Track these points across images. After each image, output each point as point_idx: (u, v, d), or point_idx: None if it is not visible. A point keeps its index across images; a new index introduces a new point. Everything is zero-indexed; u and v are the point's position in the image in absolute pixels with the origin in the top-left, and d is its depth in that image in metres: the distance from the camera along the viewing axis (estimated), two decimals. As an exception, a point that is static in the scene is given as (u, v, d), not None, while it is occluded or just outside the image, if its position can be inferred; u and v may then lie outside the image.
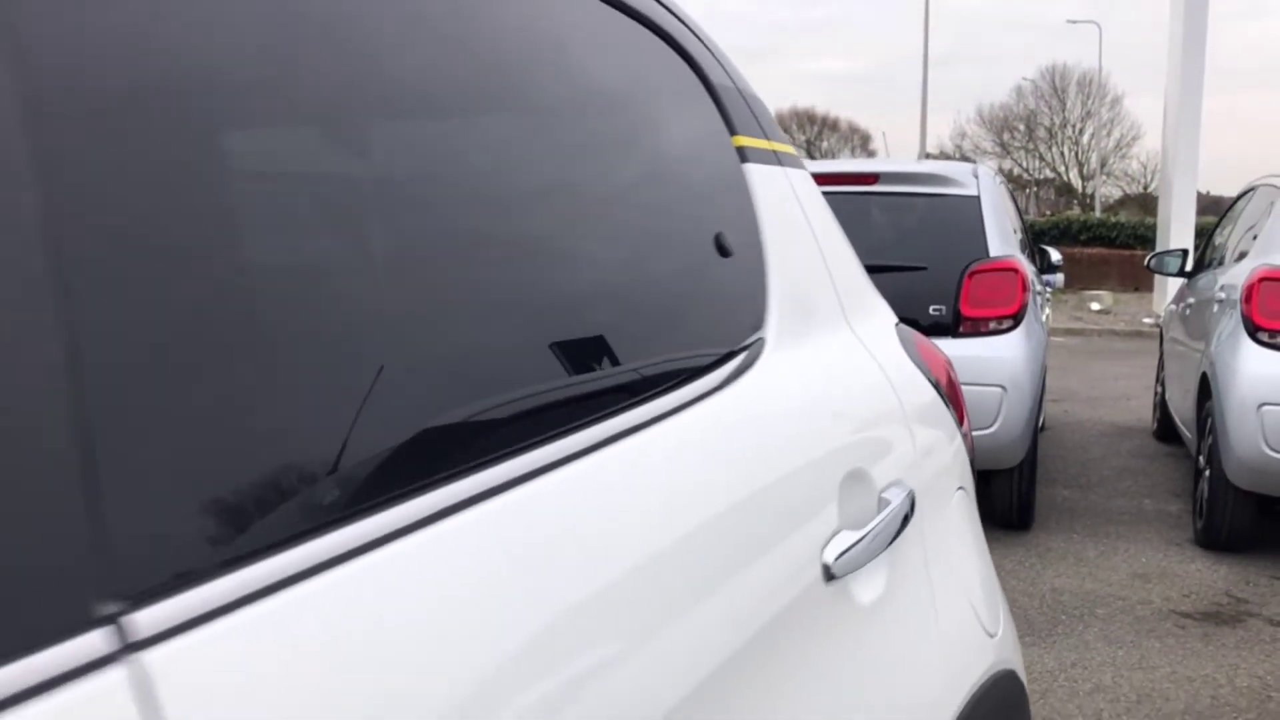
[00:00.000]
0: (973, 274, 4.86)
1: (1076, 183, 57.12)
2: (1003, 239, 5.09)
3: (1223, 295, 5.09)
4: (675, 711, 0.78)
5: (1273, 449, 4.44)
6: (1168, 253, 7.08)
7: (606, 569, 0.76)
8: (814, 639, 0.98)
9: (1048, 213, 42.56)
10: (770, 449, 1.00)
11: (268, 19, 0.66)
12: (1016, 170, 58.17)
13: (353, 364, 0.65)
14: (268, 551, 0.56)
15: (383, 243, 0.70)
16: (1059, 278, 7.46)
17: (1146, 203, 44.68)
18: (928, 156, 37.70)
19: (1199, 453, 5.13)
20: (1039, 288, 5.82)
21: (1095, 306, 16.82)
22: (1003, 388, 4.70)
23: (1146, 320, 14.91)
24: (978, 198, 5.15)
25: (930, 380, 1.40)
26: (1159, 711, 3.29)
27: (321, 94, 0.68)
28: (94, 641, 0.49)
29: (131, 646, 0.50)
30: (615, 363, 0.89)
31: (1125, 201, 53.47)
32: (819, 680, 0.97)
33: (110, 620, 0.50)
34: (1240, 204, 6.25)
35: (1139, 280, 18.69)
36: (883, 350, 1.33)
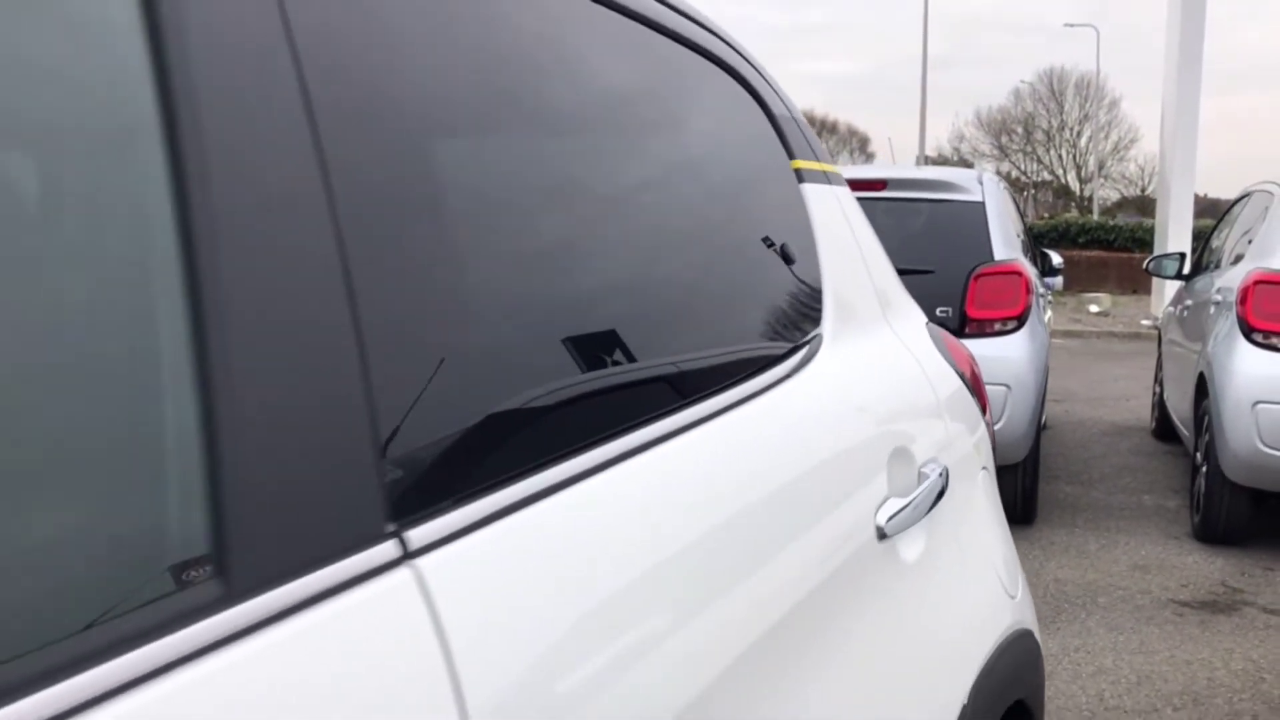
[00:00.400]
0: (978, 277, 5.04)
1: (1074, 185, 57.30)
2: (1006, 243, 5.28)
3: (1219, 297, 5.28)
4: (775, 628, 0.96)
5: (1267, 445, 4.62)
6: (1166, 256, 7.27)
7: (715, 515, 0.95)
8: (869, 586, 1.16)
9: (1046, 215, 42.77)
10: (833, 426, 1.19)
11: (466, 65, 0.85)
12: (1014, 173, 58.36)
13: (556, 345, 0.84)
14: (500, 484, 0.75)
15: (570, 253, 0.90)
16: (1058, 280, 7.65)
17: (1144, 205, 44.88)
18: (926, 160, 37.88)
19: (1196, 450, 5.31)
20: (1041, 290, 6.01)
21: (1094, 309, 17.00)
22: (1007, 386, 4.89)
23: (1145, 322, 15.08)
24: (982, 203, 5.34)
25: (957, 373, 1.59)
26: (1158, 692, 3.47)
27: (506, 126, 0.87)
28: (386, 550, 0.67)
29: (410, 555, 0.69)
30: (710, 352, 1.08)
31: (1123, 204, 53.64)
32: (874, 619, 1.15)
33: (395, 535, 0.68)
34: (1236, 208, 6.44)
35: (1137, 283, 18.87)
36: (917, 346, 1.52)
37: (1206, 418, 5.03)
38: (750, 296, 1.19)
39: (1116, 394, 9.64)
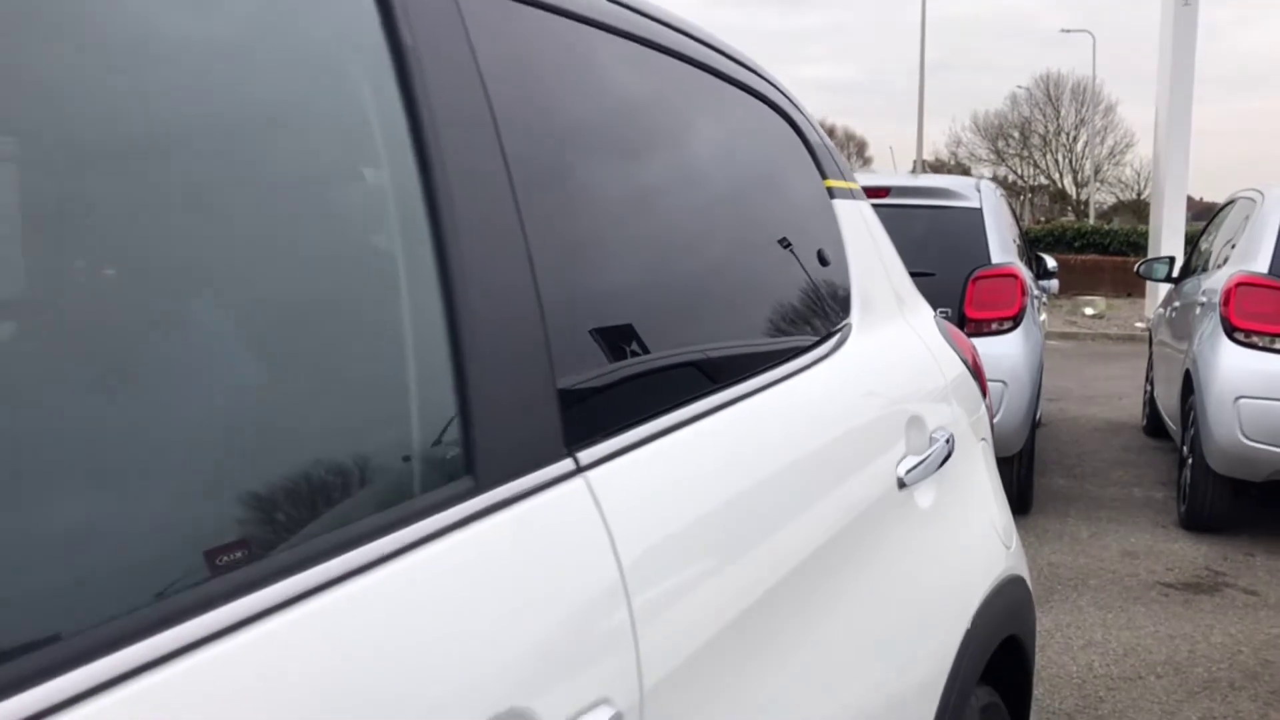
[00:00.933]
0: (976, 279, 5.33)
1: (1070, 189, 57.57)
2: (1003, 247, 5.58)
3: (1204, 299, 5.57)
4: (813, 555, 1.25)
5: (1248, 438, 4.91)
6: (1156, 260, 7.57)
7: (774, 463, 1.23)
8: (892, 523, 1.45)
9: (1042, 219, 43.09)
10: (863, 396, 1.48)
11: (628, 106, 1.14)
12: (1011, 177, 58.62)
13: (673, 322, 1.14)
14: (637, 423, 1.04)
15: (679, 255, 1.19)
16: (1054, 284, 7.94)
17: (1139, 209, 45.11)
18: (924, 164, 38.16)
19: (1183, 443, 5.60)
20: (1036, 292, 6.30)
21: (1089, 311, 17.31)
22: (1004, 382, 5.18)
23: (1138, 325, 15.39)
24: (980, 209, 5.64)
25: (961, 359, 1.88)
26: (1142, 662, 3.76)
27: (636, 156, 1.16)
28: (566, 465, 0.96)
29: (581, 469, 0.97)
30: (768, 334, 1.37)
31: (1119, 208, 53.90)
32: (897, 550, 1.44)
33: (571, 455, 0.97)
34: (1222, 215, 6.74)
35: (1131, 286, 19.15)
36: (927, 335, 1.81)
37: (1192, 412, 5.32)
38: (797, 292, 1.48)
39: (1109, 393, 9.93)
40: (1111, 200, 56.19)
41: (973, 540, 1.70)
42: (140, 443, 0.68)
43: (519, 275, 0.95)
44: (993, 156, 59.38)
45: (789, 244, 1.50)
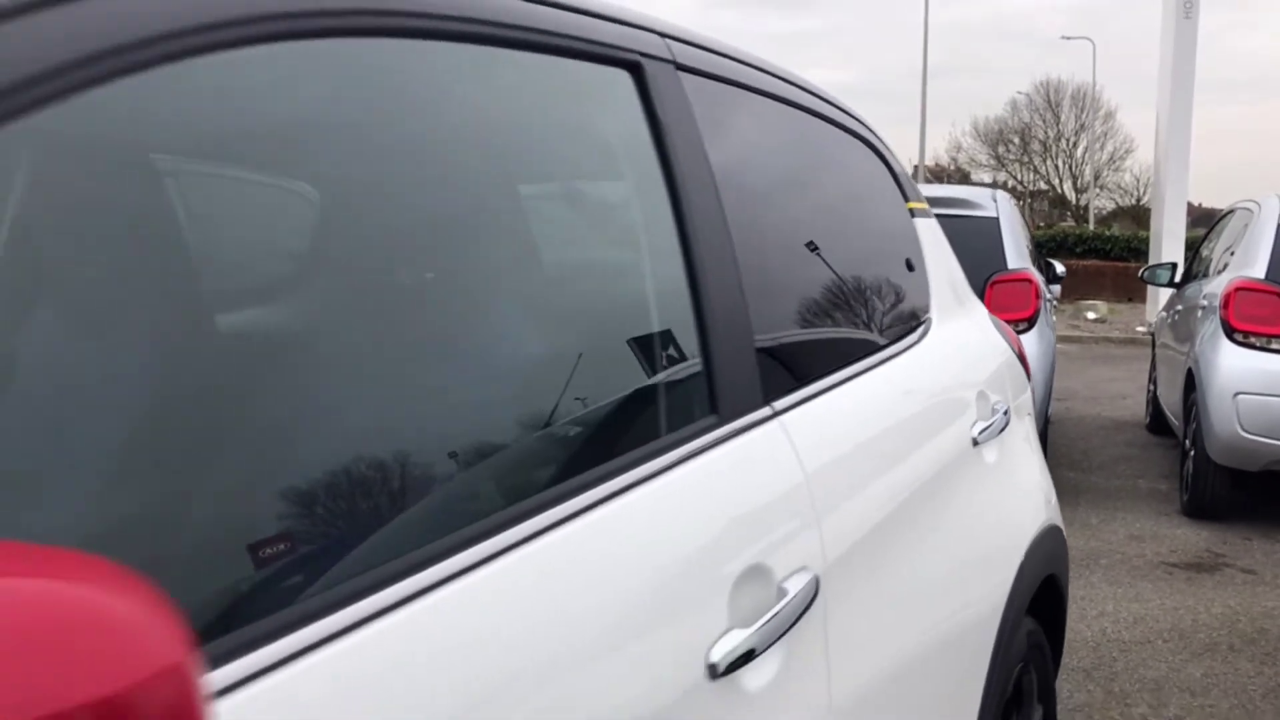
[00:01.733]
0: (993, 284, 5.74)
1: (1070, 195, 57.88)
2: (1018, 254, 5.99)
3: (1205, 302, 5.98)
4: (921, 487, 1.65)
5: (1246, 431, 5.32)
6: (1159, 265, 7.98)
7: (894, 418, 1.64)
8: (966, 474, 1.86)
9: (1042, 225, 43.54)
10: (943, 374, 1.89)
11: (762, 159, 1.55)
12: (1011, 183, 59.03)
13: (821, 313, 1.55)
14: (806, 383, 1.45)
15: (821, 264, 1.60)
16: (1055, 288, 8.35)
17: (1139, 215, 45.46)
18: (927, 172, 38.58)
19: (1185, 437, 6.01)
20: (1047, 295, 6.72)
21: (1091, 315, 17.72)
22: (1020, 379, 5.58)
23: (1140, 328, 15.81)
24: (997, 219, 6.06)
25: (1010, 348, 2.29)
26: (1150, 629, 4.17)
27: (797, 194, 1.57)
28: (765, 411, 1.37)
29: (776, 414, 1.38)
30: (881, 324, 1.79)
31: (1118, 214, 54.24)
32: (971, 495, 1.85)
33: (768, 403, 1.37)
34: (1222, 223, 7.16)
35: (1133, 291, 19.57)
36: (984, 327, 2.22)
37: (1194, 408, 5.73)
38: (897, 291, 1.90)
39: (1113, 393, 10.34)
40: (1111, 206, 56.56)
41: (1023, 494, 2.11)
42: (490, 395, 1.08)
43: (731, 279, 1.36)
44: (993, 162, 59.76)
45: (890, 254, 1.91)
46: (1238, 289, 5.52)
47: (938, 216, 6.09)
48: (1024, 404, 2.29)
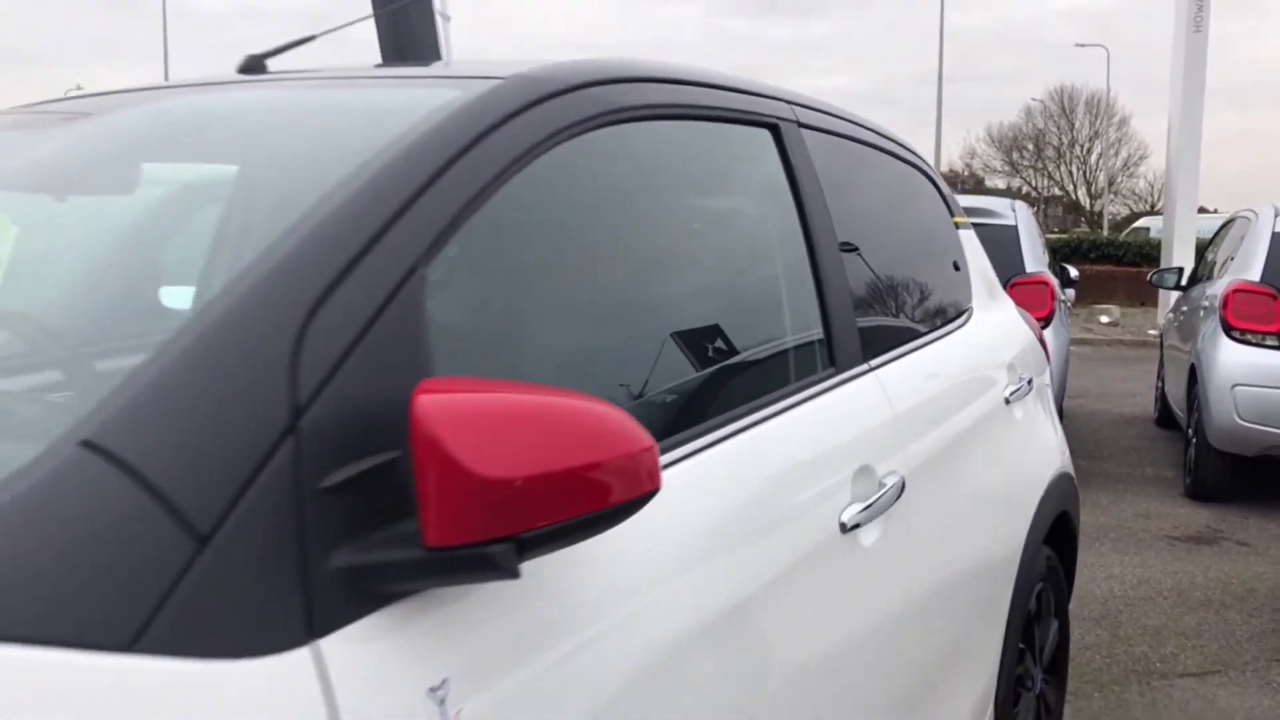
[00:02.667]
0: (1013, 286, 6.30)
1: (1084, 201, 58.17)
2: (1035, 258, 6.57)
3: (1207, 303, 6.55)
4: (967, 430, 2.24)
5: (1243, 419, 5.88)
6: (1166, 270, 8.55)
7: (937, 388, 2.23)
8: (997, 427, 2.44)
9: (1056, 230, 43.95)
10: (982, 349, 2.48)
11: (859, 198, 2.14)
12: (1025, 188, 59.38)
13: (894, 301, 2.14)
14: (883, 352, 2.04)
15: (873, 264, 2.20)
16: (1070, 293, 8.91)
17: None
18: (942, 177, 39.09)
19: (1189, 426, 6.57)
20: (1062, 297, 7.28)
21: (1104, 319, 18.23)
22: (1037, 372, 6.16)
23: (1151, 332, 16.30)
24: (1016, 226, 6.64)
25: (1034, 334, 2.88)
26: (1152, 589, 4.73)
27: (869, 217, 2.17)
28: (864, 368, 1.95)
29: (871, 369, 1.97)
30: (938, 311, 2.38)
31: (1132, 219, 54.68)
32: (1003, 443, 2.43)
33: (866, 360, 1.96)
34: (1224, 231, 7.72)
35: (1145, 296, 20.03)
36: (1013, 316, 2.81)
37: (1196, 400, 6.29)
38: (947, 287, 2.49)
39: (1124, 392, 10.88)
40: (1125, 212, 56.85)
41: (1042, 445, 2.70)
42: (719, 349, 1.68)
43: (841, 278, 1.95)
44: (1007, 168, 60.13)
45: (942, 258, 2.51)
46: (1235, 290, 6.08)
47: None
48: (1043, 377, 2.88)
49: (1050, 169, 59.08)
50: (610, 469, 1.04)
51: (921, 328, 2.27)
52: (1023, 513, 2.53)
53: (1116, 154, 55.59)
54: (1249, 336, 5.99)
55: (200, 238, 1.35)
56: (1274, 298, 5.95)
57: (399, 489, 1.00)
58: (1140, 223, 36.55)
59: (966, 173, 59.41)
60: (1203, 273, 7.83)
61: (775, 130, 1.93)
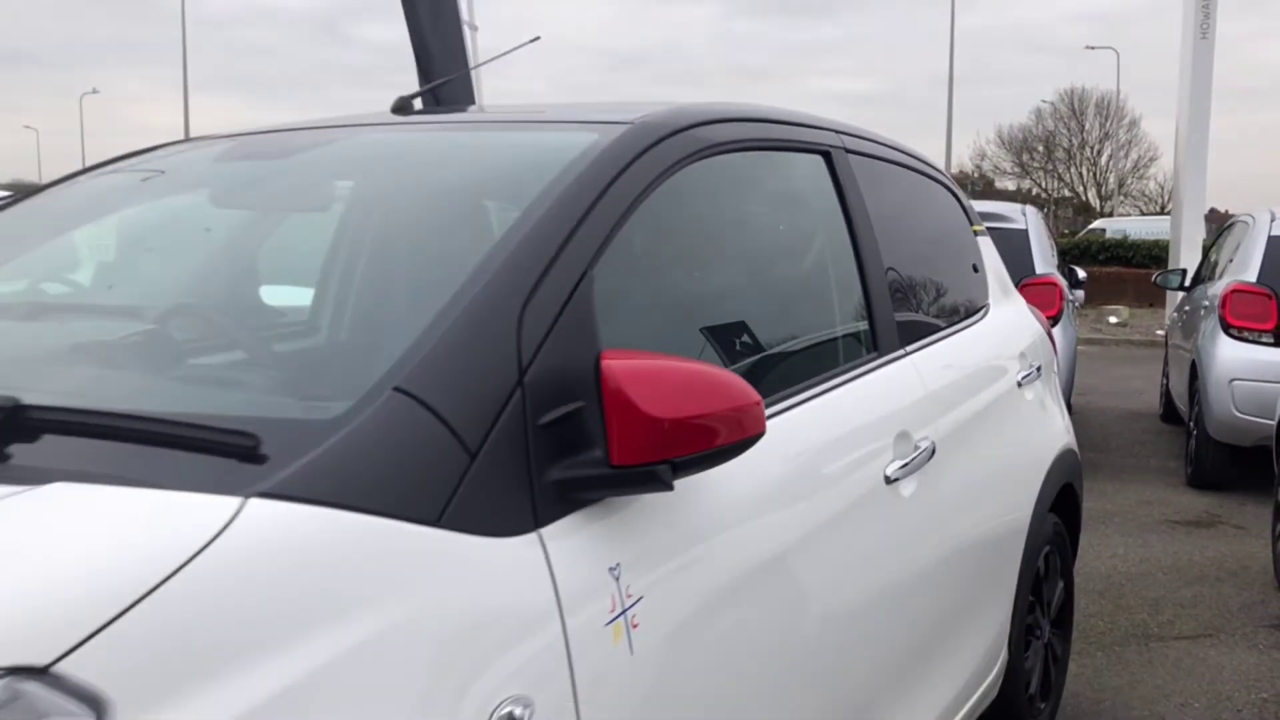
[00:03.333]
0: (1024, 286, 6.68)
1: (1095, 203, 58.26)
2: (1044, 261, 6.97)
3: (1207, 303, 6.93)
4: (987, 406, 2.65)
5: (1240, 411, 6.26)
6: (1171, 271, 8.95)
7: (961, 370, 2.63)
8: (1010, 406, 2.85)
9: (1066, 232, 44.11)
10: (998, 340, 2.90)
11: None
12: (1036, 190, 59.51)
13: (931, 296, 2.56)
14: (921, 338, 2.45)
15: (914, 265, 2.61)
16: (1079, 294, 9.29)
17: (1163, 223, 45.82)
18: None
19: (1190, 419, 6.96)
20: (1070, 297, 7.68)
21: (1113, 320, 18.59)
22: (1046, 368, 6.56)
23: (1159, 332, 16.64)
24: (1026, 230, 7.04)
25: (1043, 329, 3.30)
26: (1153, 565, 5.12)
27: (907, 227, 2.58)
28: (901, 352, 2.37)
29: (908, 354, 2.38)
30: (961, 307, 2.79)
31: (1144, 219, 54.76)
32: (1015, 421, 2.84)
33: (903, 348, 2.38)
34: (1224, 234, 8.10)
35: (1153, 297, 20.35)
36: (1024, 313, 3.22)
37: (1197, 394, 6.67)
38: (969, 286, 2.90)
39: (1131, 389, 11.25)
40: (1135, 214, 57.01)
41: (1049, 424, 3.10)
42: (799, 331, 2.09)
43: (882, 280, 2.36)
44: (1017, 170, 60.24)
45: (963, 262, 2.92)
46: (1233, 291, 6.47)
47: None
48: (1050, 366, 3.29)
49: (1060, 171, 59.12)
50: (733, 415, 1.45)
51: (947, 321, 2.68)
52: (1032, 482, 2.94)
53: (1127, 156, 55.60)
54: (1246, 334, 6.38)
55: (403, 249, 1.77)
56: (1269, 297, 6.34)
57: (585, 427, 1.41)
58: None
59: (976, 174, 59.57)
60: (1204, 274, 8.21)
61: (827, 156, 2.34)
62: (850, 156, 2.43)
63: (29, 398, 1.29)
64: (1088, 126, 57.35)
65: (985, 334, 2.86)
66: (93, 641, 0.95)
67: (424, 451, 1.27)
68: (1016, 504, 2.85)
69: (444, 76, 10.64)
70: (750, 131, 2.09)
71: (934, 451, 2.27)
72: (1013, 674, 2.92)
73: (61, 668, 0.93)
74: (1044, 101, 60.04)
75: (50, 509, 1.11)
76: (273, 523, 1.12)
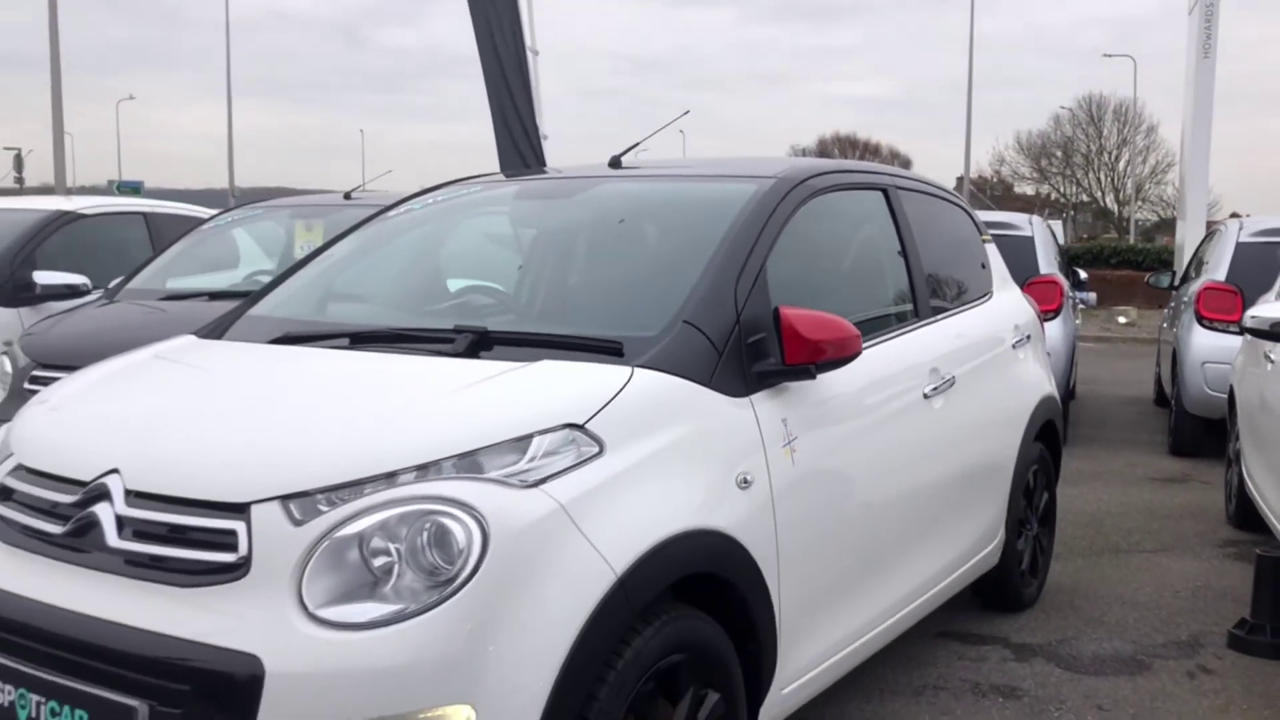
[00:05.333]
0: (1030, 285, 7.93)
1: (1113, 207, 58.83)
2: (1048, 263, 8.23)
3: (1187, 299, 8.16)
4: (988, 360, 3.92)
5: (1210, 389, 7.48)
6: (1161, 273, 10.19)
7: (963, 343, 3.89)
8: (1006, 362, 4.12)
9: (1085, 237, 44.90)
10: (999, 316, 4.17)
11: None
12: (1054, 195, 60.22)
13: (954, 286, 3.83)
14: (940, 311, 3.73)
15: (946, 264, 3.88)
16: (1091, 296, 10.53)
17: (1178, 228, 46.56)
18: (971, 184, 40.46)
19: (1172, 398, 8.18)
20: (1070, 294, 8.92)
21: (1122, 320, 19.73)
22: (1048, 353, 7.80)
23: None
24: (1032, 237, 8.30)
25: (1036, 312, 4.57)
26: (1130, 508, 6.35)
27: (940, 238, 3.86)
28: (933, 319, 3.65)
29: (938, 320, 3.65)
30: (972, 293, 4.06)
31: (1160, 226, 55.19)
32: (1009, 376, 4.11)
33: (934, 315, 3.65)
34: (1207, 241, 9.33)
35: (1161, 299, 21.43)
36: (1019, 299, 4.50)
37: (1176, 375, 7.90)
38: (978, 279, 4.16)
39: (1131, 380, 12.46)
40: (1153, 219, 57.52)
41: (1035, 376, 4.36)
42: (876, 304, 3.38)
43: (922, 276, 3.63)
44: (1035, 175, 60.92)
45: (974, 262, 4.19)
46: (1206, 289, 7.70)
47: (991, 235, 8.43)
48: (1038, 337, 4.55)
49: (1079, 176, 59.70)
50: (844, 341, 2.73)
51: (964, 301, 3.95)
52: (1021, 415, 4.20)
53: (1144, 161, 55.97)
54: (1216, 325, 7.60)
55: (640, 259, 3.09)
56: (1236, 294, 7.55)
57: (768, 345, 2.68)
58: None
59: (995, 179, 60.47)
60: (1191, 274, 9.43)
61: (885, 191, 3.62)
62: (899, 191, 3.70)
63: (492, 325, 2.60)
64: (1105, 132, 57.89)
65: (989, 310, 4.13)
66: (596, 416, 2.24)
67: (698, 351, 2.55)
68: (1010, 428, 4.10)
69: (516, 104, 12.01)
70: (839, 180, 3.37)
71: (954, 382, 3.54)
72: (1009, 550, 4.18)
73: (588, 425, 2.22)
74: (1063, 108, 60.65)
75: (548, 370, 2.41)
76: (645, 378, 2.41)
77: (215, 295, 5.22)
